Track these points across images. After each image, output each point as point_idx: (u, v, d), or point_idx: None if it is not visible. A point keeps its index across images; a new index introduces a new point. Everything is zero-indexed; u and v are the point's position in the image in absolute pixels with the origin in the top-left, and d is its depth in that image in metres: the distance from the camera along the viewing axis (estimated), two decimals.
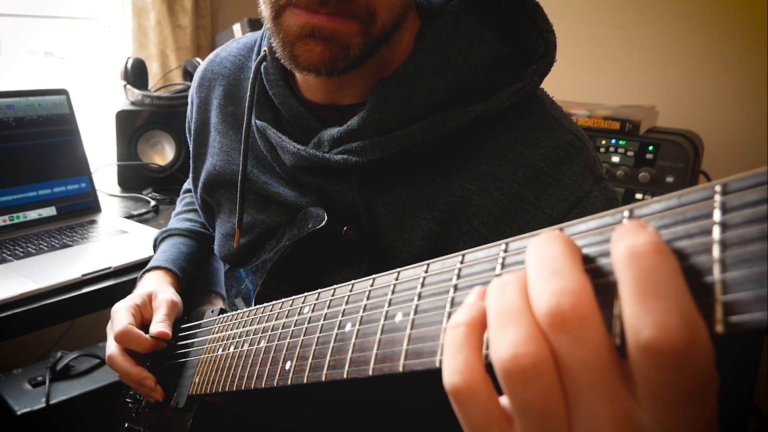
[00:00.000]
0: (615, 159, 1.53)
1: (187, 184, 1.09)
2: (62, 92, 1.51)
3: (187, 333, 0.79)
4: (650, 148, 1.49)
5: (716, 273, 0.25)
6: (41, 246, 1.28)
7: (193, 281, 0.93)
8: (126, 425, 0.85)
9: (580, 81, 1.89)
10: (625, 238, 0.27)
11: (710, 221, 0.26)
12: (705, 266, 0.26)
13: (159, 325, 0.77)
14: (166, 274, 0.89)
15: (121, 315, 0.78)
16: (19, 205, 1.39)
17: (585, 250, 0.31)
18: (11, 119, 1.41)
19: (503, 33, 0.67)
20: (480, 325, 0.32)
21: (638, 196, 1.51)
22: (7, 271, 1.14)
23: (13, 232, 1.36)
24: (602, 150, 1.55)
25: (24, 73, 2.01)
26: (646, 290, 0.25)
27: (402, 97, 0.63)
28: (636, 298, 0.25)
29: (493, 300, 0.31)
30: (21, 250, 1.25)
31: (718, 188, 0.26)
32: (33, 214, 1.41)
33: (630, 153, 1.52)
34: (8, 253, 1.23)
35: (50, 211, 1.44)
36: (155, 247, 1.00)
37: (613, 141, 1.54)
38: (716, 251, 0.25)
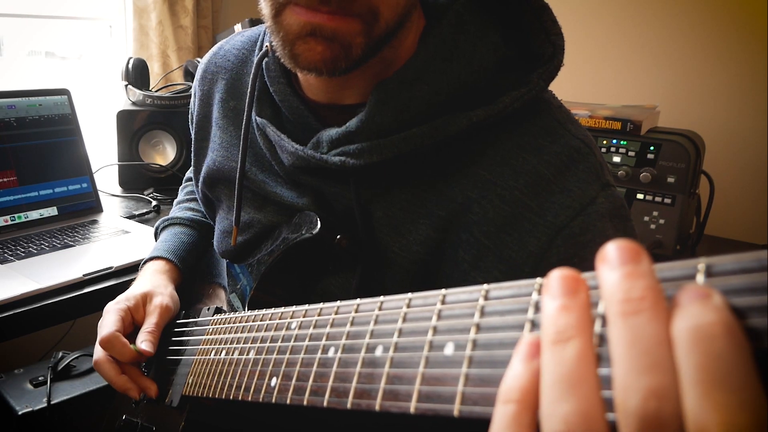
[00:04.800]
0: (616, 159, 1.53)
1: (190, 173, 1.09)
2: (63, 92, 1.51)
3: (183, 329, 0.79)
4: (651, 148, 1.49)
5: None
6: (43, 246, 1.28)
7: (194, 272, 0.93)
8: (124, 417, 0.85)
9: (581, 81, 1.89)
10: (688, 311, 0.24)
11: None
12: None
13: (146, 336, 0.76)
14: (167, 265, 0.89)
15: (109, 318, 0.78)
16: (20, 205, 1.40)
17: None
18: (13, 119, 1.41)
19: (509, 34, 0.65)
20: (534, 400, 0.28)
21: (639, 196, 1.51)
22: (8, 271, 1.14)
23: (14, 232, 1.36)
24: (603, 150, 1.55)
25: (25, 73, 2.02)
26: (715, 380, 0.22)
27: (402, 100, 0.61)
28: (703, 388, 0.22)
29: (550, 363, 0.27)
30: (22, 250, 1.25)
31: (701, 267, 0.25)
32: (34, 214, 1.41)
33: (631, 153, 1.52)
34: (10, 253, 1.23)
35: (52, 211, 1.45)
36: (156, 236, 1.00)
37: (614, 141, 1.54)
38: None
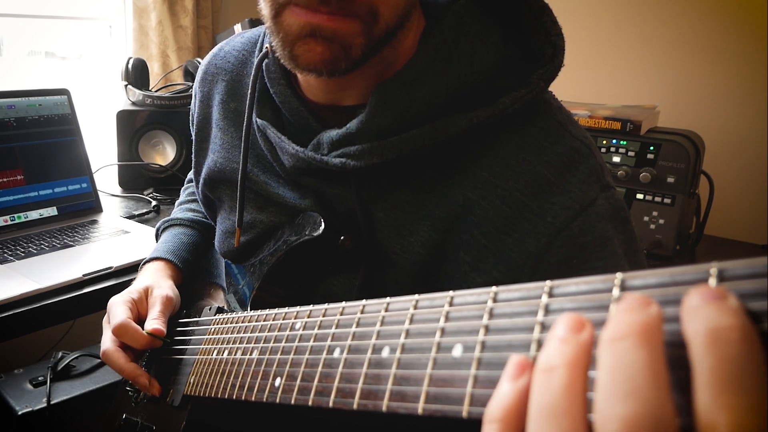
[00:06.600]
0: (616, 159, 1.53)
1: (191, 174, 1.09)
2: (63, 92, 1.51)
3: (185, 328, 0.79)
4: (651, 148, 1.49)
5: None
6: (42, 246, 1.28)
7: (194, 272, 0.93)
8: (124, 416, 0.85)
9: (581, 81, 1.89)
10: (705, 313, 0.24)
11: None
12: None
13: (153, 322, 0.77)
14: (167, 266, 0.89)
15: (118, 308, 0.78)
16: (20, 205, 1.39)
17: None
18: (12, 119, 1.41)
19: (509, 35, 0.65)
20: (518, 421, 0.28)
21: (639, 196, 1.51)
22: (8, 270, 1.14)
23: (14, 232, 1.36)
24: (603, 150, 1.55)
25: (25, 73, 2.02)
26: (728, 383, 0.22)
27: (402, 101, 0.61)
28: (715, 389, 0.23)
29: (538, 391, 0.27)
30: (22, 250, 1.25)
31: (713, 271, 0.25)
32: (34, 214, 1.41)
33: (631, 153, 1.52)
34: (9, 253, 1.23)
35: (51, 211, 1.44)
36: (157, 237, 1.00)
37: (614, 141, 1.54)
38: None
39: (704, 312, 0.24)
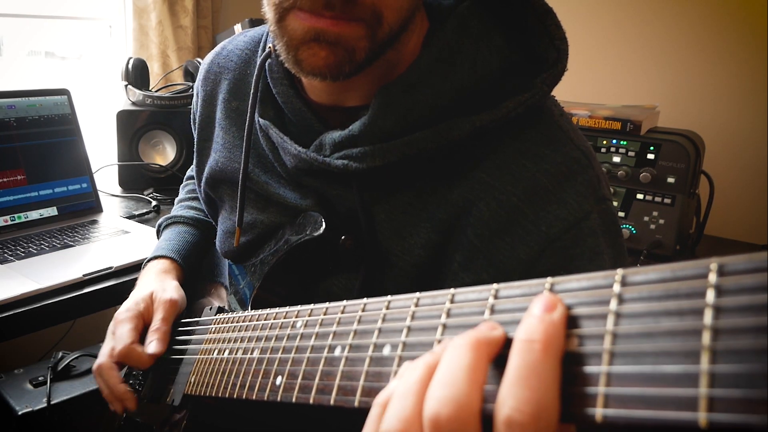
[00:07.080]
0: (616, 159, 1.53)
1: (191, 171, 1.08)
2: (63, 92, 1.51)
3: (185, 328, 0.79)
4: (651, 148, 1.49)
5: (704, 362, 0.24)
6: (42, 246, 1.28)
7: (196, 271, 0.93)
8: (124, 416, 0.85)
9: (581, 81, 1.89)
10: (527, 322, 0.31)
11: (702, 302, 0.25)
12: (693, 350, 0.25)
13: (152, 336, 0.77)
14: (171, 264, 0.89)
15: (123, 329, 0.78)
16: (20, 205, 1.39)
17: (576, 311, 0.31)
18: (12, 119, 1.41)
19: (513, 37, 0.65)
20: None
21: (639, 196, 1.51)
22: (8, 271, 1.14)
23: (14, 232, 1.36)
24: (603, 150, 1.55)
25: (25, 74, 2.02)
26: (520, 379, 0.30)
27: (405, 104, 0.61)
28: (510, 381, 0.30)
29: (399, 378, 0.35)
30: (22, 250, 1.25)
31: (713, 266, 0.25)
32: (34, 214, 1.41)
33: (631, 153, 1.52)
34: (9, 253, 1.23)
35: (51, 211, 1.44)
36: (159, 233, 1.00)
37: (614, 141, 1.54)
38: (707, 338, 0.24)
39: (527, 321, 0.31)
